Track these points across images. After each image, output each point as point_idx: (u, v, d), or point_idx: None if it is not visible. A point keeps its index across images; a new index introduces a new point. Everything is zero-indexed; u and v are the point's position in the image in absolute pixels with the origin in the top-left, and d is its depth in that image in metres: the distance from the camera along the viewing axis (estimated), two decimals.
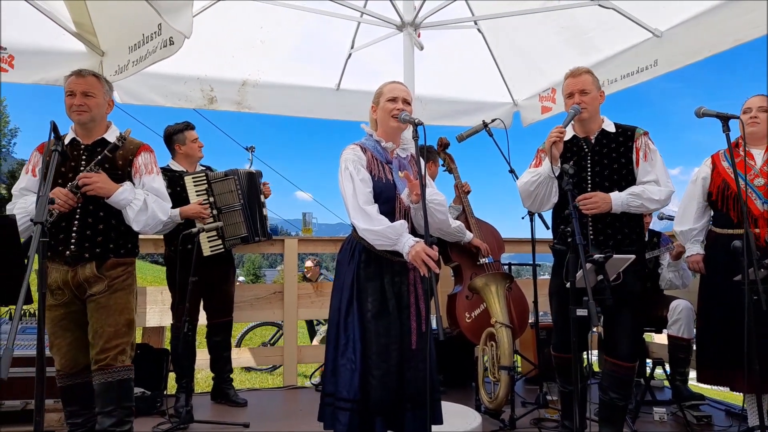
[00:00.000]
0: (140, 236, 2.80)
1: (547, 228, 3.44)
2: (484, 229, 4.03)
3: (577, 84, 2.78)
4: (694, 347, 3.47)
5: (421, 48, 3.94)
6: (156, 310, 4.28)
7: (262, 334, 8.14)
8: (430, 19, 4.04)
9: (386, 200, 2.39)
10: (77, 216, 2.54)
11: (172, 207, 2.92)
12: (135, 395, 2.80)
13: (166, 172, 3.54)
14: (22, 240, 2.03)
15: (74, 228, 2.54)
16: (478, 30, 4.88)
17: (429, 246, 2.12)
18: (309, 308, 4.65)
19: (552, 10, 4.12)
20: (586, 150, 2.83)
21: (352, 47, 4.85)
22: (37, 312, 2.15)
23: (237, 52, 4.54)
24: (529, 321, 4.01)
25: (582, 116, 2.77)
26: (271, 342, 7.54)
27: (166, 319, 4.19)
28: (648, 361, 4.00)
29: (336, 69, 4.97)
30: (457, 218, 3.95)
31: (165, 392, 3.75)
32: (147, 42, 3.03)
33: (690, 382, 3.89)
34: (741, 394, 3.15)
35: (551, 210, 2.98)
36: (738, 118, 2.67)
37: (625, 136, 2.80)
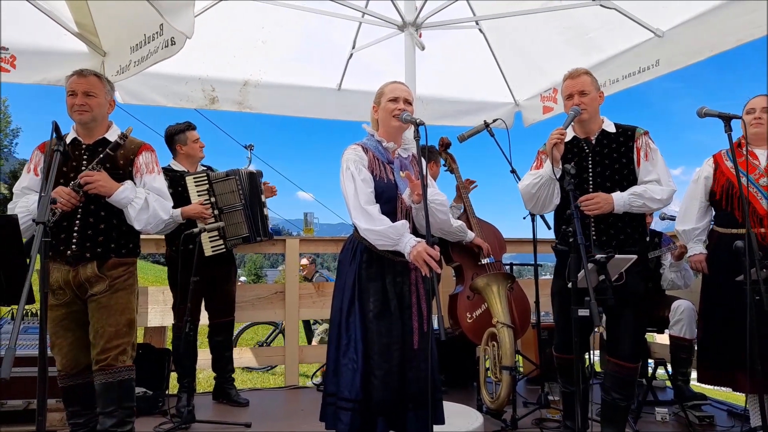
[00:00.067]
0: (142, 236, 2.80)
1: (549, 228, 3.44)
2: (486, 229, 4.02)
3: (576, 85, 2.78)
4: (696, 347, 3.46)
5: (423, 48, 3.94)
6: (157, 310, 4.28)
7: (260, 332, 8.12)
8: (431, 19, 4.04)
9: (388, 200, 2.39)
10: (78, 215, 2.54)
11: (174, 207, 2.92)
12: (137, 395, 2.80)
13: (168, 172, 3.54)
14: (24, 240, 2.03)
15: (75, 227, 2.54)
16: (480, 30, 4.88)
17: (430, 246, 2.13)
18: (310, 308, 4.65)
19: (553, 10, 4.12)
20: (587, 151, 2.82)
21: (353, 47, 4.85)
22: (39, 312, 2.15)
23: (238, 52, 4.54)
24: (531, 321, 4.01)
25: (582, 117, 2.76)
26: (267, 341, 7.51)
27: (167, 319, 4.19)
28: (650, 361, 4.00)
29: (337, 69, 4.97)
30: (458, 218, 3.94)
31: (167, 392, 3.75)
32: (148, 42, 3.03)
33: (692, 383, 3.89)
34: (743, 394, 3.15)
35: (553, 211, 2.98)
36: (740, 118, 2.66)
37: (626, 136, 2.80)
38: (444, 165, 4.16)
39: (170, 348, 3.93)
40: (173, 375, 3.78)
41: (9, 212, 2.57)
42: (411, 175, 2.36)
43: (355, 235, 2.45)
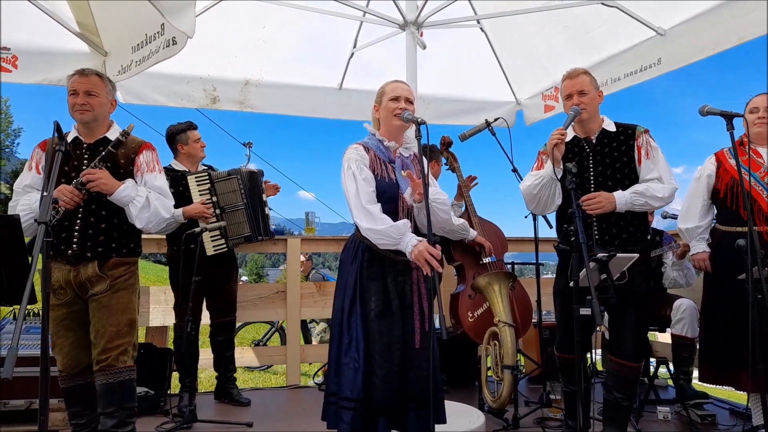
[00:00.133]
0: (143, 236, 2.79)
1: (551, 227, 3.44)
2: (487, 228, 4.02)
3: (575, 85, 2.78)
4: (698, 346, 3.46)
5: (424, 47, 3.93)
6: (159, 309, 4.28)
7: (254, 331, 8.10)
8: (432, 18, 4.03)
9: (389, 199, 2.39)
10: (79, 215, 2.54)
11: (175, 207, 2.92)
12: (138, 395, 2.80)
13: (169, 172, 3.54)
14: (26, 238, 2.03)
15: (76, 227, 2.53)
16: (481, 29, 4.87)
17: (432, 245, 2.13)
18: (312, 308, 4.65)
19: (555, 9, 4.11)
20: (588, 150, 2.82)
21: (354, 47, 4.84)
22: (41, 312, 2.16)
23: (239, 51, 4.54)
24: (533, 320, 4.00)
25: (582, 117, 2.76)
26: (264, 340, 7.50)
27: (169, 319, 4.19)
28: (652, 360, 3.99)
29: (338, 68, 4.97)
30: (459, 217, 3.94)
31: (168, 392, 3.75)
32: (150, 42, 3.03)
33: (694, 381, 3.88)
34: (745, 393, 3.14)
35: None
36: (742, 116, 2.65)
37: (626, 134, 2.79)
38: (445, 164, 4.16)
39: (172, 348, 3.93)
40: (175, 375, 3.79)
41: (10, 210, 2.58)
42: (412, 174, 2.36)
43: (356, 235, 2.45)
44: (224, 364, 3.89)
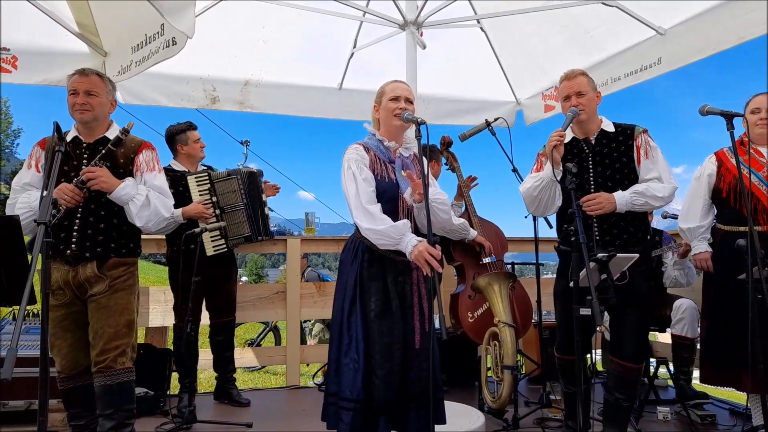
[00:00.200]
0: (143, 236, 2.78)
1: (551, 227, 3.43)
2: (487, 228, 4.02)
3: (573, 86, 2.77)
4: (698, 346, 3.45)
5: (424, 47, 3.93)
6: (159, 310, 4.28)
7: (247, 330, 8.08)
8: (432, 18, 4.03)
9: (389, 199, 2.39)
10: (78, 215, 2.53)
11: (175, 207, 2.91)
12: (138, 395, 2.79)
13: (168, 172, 3.53)
14: (25, 237, 2.03)
15: (75, 227, 2.52)
16: (481, 29, 4.87)
17: (432, 245, 2.12)
18: (312, 308, 4.64)
19: (555, 9, 4.11)
20: (587, 151, 2.82)
21: (354, 46, 4.84)
22: (40, 312, 2.15)
23: (239, 51, 4.54)
24: (533, 320, 4.00)
25: (580, 118, 2.76)
26: (258, 340, 7.48)
27: (168, 320, 4.19)
28: (652, 360, 3.99)
29: (338, 68, 4.97)
30: (459, 217, 3.94)
31: (168, 392, 3.75)
32: (150, 42, 3.03)
33: (694, 381, 3.88)
34: (745, 393, 3.14)
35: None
36: (742, 116, 2.65)
37: (625, 135, 2.79)
38: (445, 164, 4.16)
39: (171, 348, 3.93)
40: (174, 375, 3.78)
41: (8, 207, 2.57)
42: (412, 174, 2.36)
43: (356, 235, 2.45)
44: (224, 364, 3.88)
